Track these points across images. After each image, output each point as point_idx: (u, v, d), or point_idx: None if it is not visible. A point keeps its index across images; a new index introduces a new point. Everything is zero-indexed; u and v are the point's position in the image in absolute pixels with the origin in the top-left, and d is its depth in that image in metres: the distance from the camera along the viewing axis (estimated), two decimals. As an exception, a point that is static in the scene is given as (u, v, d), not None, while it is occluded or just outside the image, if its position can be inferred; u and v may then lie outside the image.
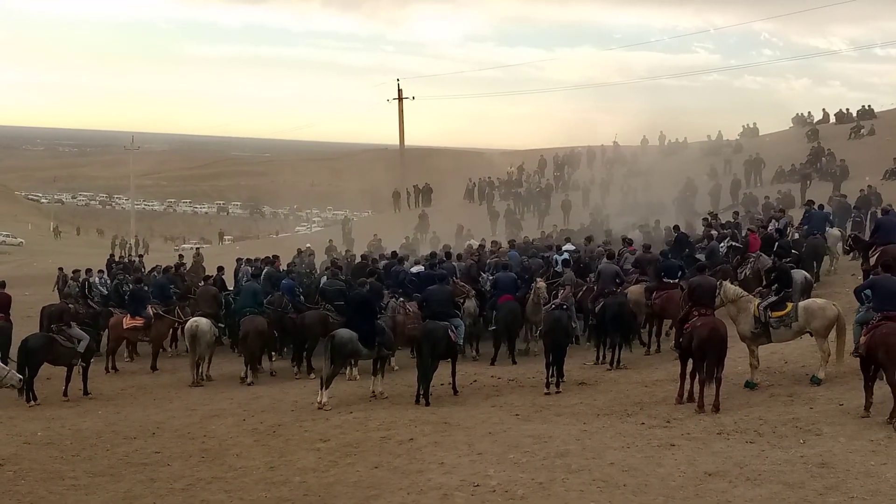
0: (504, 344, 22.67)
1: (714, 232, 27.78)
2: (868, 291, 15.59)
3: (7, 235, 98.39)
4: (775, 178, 44.14)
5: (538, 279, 22.39)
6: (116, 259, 39.53)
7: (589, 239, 30.68)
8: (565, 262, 24.43)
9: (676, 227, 28.73)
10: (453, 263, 26.29)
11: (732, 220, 30.46)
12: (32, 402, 19.51)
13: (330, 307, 22.64)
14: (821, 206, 29.36)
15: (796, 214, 31.43)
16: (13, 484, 13.74)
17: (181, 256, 37.59)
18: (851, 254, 26.34)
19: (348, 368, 20.65)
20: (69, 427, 17.41)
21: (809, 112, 59.02)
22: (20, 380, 13.09)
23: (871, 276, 17.05)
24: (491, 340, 23.16)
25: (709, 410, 15.53)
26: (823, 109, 57.73)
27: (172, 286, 26.12)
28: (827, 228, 27.60)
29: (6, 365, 19.78)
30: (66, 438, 16.53)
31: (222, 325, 23.24)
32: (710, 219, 31.13)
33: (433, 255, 28.15)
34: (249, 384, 21.33)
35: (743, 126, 60.55)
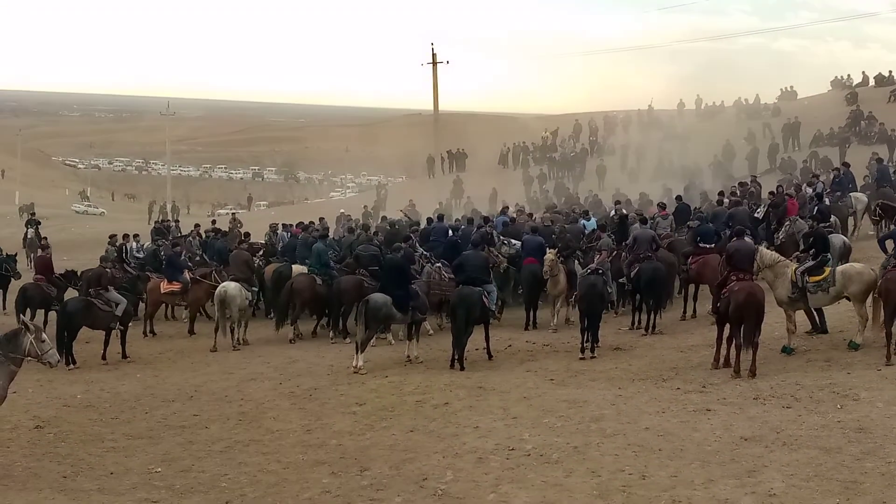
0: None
1: (726, 200, 27.60)
2: (890, 241, 17.88)
3: (89, 205, 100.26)
4: (813, 142, 43.68)
5: (549, 250, 21.96)
6: (169, 225, 39.34)
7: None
8: (601, 228, 24.30)
9: (679, 198, 28.55)
10: (487, 228, 26.25)
11: (749, 187, 30.37)
12: (72, 366, 19.75)
13: (364, 272, 22.67)
14: (879, 160, 29.43)
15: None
16: (53, 446, 13.93)
17: (214, 222, 37.80)
18: (881, 223, 25.90)
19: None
20: (108, 390, 17.62)
21: (849, 75, 58.14)
22: (58, 361, 13.22)
23: (891, 230, 18.73)
24: (522, 306, 23.23)
25: (745, 375, 15.47)
26: (863, 72, 56.75)
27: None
28: (855, 193, 27.49)
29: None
30: (105, 401, 16.72)
31: (255, 289, 23.25)
32: (725, 191, 30.97)
33: (470, 220, 28.21)
34: (291, 341, 22.19)
35: (781, 89, 59.83)
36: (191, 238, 31.16)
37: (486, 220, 27.84)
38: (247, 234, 28.63)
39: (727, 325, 16.27)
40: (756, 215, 25.59)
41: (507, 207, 34.36)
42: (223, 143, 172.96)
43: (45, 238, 39.40)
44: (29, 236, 39.75)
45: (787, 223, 24.06)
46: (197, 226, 34.06)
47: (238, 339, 22.05)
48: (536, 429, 13.46)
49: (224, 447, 13.77)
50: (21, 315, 22.35)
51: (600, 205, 36.63)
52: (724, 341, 16.38)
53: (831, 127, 43.89)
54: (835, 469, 10.80)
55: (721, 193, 29.44)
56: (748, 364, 15.59)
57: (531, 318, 22.64)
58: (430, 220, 28.58)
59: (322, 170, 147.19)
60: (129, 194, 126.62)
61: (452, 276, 20.87)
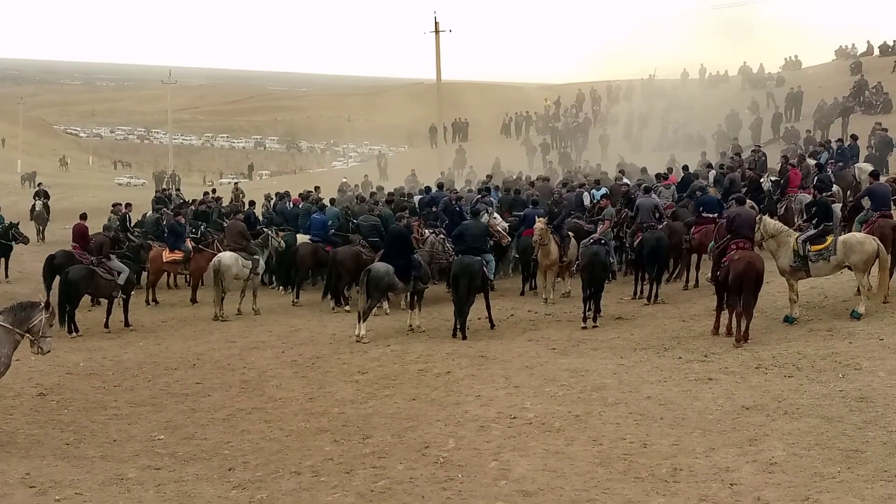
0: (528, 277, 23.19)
1: (712, 173, 27.68)
2: (866, 198, 19.45)
3: (131, 177, 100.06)
4: (817, 111, 43.47)
5: (538, 219, 21.51)
6: (170, 193, 38.96)
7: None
8: (605, 196, 24.23)
9: (685, 167, 28.52)
10: (493, 198, 26.15)
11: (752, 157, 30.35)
12: (74, 334, 19.80)
13: (364, 243, 22.61)
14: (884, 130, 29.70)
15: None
16: (56, 413, 13.98)
17: (214, 191, 37.70)
18: None
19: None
20: (111, 358, 17.67)
21: (853, 44, 57.75)
22: (49, 352, 13.19)
23: (866, 187, 20.32)
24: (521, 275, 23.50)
25: (740, 340, 15.56)
26: (868, 41, 56.34)
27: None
28: (859, 163, 27.44)
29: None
30: (107, 369, 16.78)
31: (257, 258, 23.06)
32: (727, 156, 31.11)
33: (488, 188, 28.16)
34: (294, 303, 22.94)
35: (785, 59, 59.48)
36: (192, 207, 31.06)
37: (488, 190, 27.74)
38: (252, 202, 28.80)
39: (726, 293, 16.31)
40: (761, 183, 25.57)
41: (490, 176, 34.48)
42: (225, 112, 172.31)
43: (42, 199, 39.35)
44: (37, 209, 39.10)
45: (789, 198, 24.07)
46: (251, 203, 32.87)
47: (239, 308, 22.14)
48: (538, 397, 13.51)
49: (227, 415, 13.81)
50: (47, 283, 21.95)
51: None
52: (725, 309, 16.43)
53: (835, 96, 43.62)
54: (836, 438, 10.84)
55: (709, 166, 29.44)
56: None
57: (527, 286, 23.03)
58: (428, 189, 28.56)
59: (324, 139, 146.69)
60: (125, 162, 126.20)
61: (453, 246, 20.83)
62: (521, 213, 23.91)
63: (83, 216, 23.16)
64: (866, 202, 19.55)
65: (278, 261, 24.58)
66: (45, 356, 13.67)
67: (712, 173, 27.64)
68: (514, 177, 36.02)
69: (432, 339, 18.09)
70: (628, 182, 27.02)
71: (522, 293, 22.81)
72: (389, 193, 30.01)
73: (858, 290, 16.85)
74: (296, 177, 78.13)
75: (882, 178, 21.70)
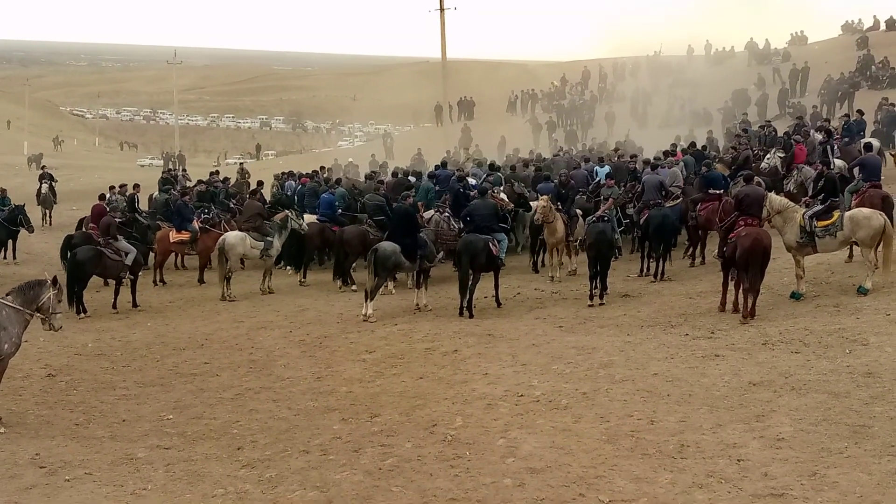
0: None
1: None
2: (857, 168, 20.38)
3: (153, 158, 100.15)
4: (823, 86, 43.30)
5: (541, 197, 21.67)
6: (176, 174, 38.92)
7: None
8: (608, 175, 24.17)
9: (692, 144, 28.49)
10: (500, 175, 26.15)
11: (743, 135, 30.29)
12: (82, 315, 19.83)
13: (371, 222, 22.61)
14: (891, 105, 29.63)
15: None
16: (65, 394, 14.03)
17: (218, 172, 37.62)
18: None
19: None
20: (119, 339, 17.72)
21: (860, 19, 57.40)
22: (60, 328, 13.22)
23: (858, 158, 21.10)
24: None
25: (747, 317, 15.54)
26: (874, 16, 55.97)
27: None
28: (865, 138, 27.35)
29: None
30: (116, 350, 16.83)
31: (271, 239, 22.91)
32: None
33: (492, 165, 28.17)
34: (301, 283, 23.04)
35: (791, 34, 59.18)
36: (196, 188, 31.01)
37: (495, 167, 27.73)
38: (259, 183, 28.77)
39: (733, 270, 16.31)
40: (768, 160, 25.47)
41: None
42: (230, 92, 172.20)
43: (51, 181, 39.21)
44: (43, 191, 38.78)
45: (795, 171, 24.00)
46: (260, 183, 32.01)
47: (266, 287, 22.24)
48: (545, 375, 13.52)
49: (235, 394, 13.86)
50: (65, 264, 21.89)
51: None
52: (732, 286, 16.43)
53: (842, 72, 43.41)
54: (843, 413, 10.84)
55: (703, 147, 29.43)
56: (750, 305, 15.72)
57: (535, 262, 23.17)
58: (435, 167, 28.53)
59: (330, 118, 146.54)
60: (131, 143, 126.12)
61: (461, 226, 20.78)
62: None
63: (102, 197, 23.21)
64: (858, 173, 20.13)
65: (286, 241, 24.53)
66: (55, 336, 13.75)
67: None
68: (519, 155, 36.09)
69: (439, 318, 18.10)
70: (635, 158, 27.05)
71: (533, 269, 22.94)
72: (419, 171, 29.82)
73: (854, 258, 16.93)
74: (301, 156, 78.07)
75: (888, 153, 21.78)
